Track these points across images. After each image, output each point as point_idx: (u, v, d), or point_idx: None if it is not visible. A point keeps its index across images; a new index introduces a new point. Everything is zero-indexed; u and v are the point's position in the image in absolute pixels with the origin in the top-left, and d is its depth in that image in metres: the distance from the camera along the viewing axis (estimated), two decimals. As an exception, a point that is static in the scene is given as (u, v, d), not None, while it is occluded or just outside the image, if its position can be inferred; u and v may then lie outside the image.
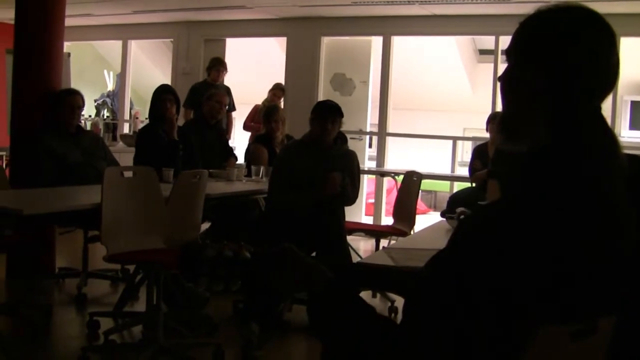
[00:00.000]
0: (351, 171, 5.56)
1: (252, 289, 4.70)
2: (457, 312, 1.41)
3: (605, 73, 1.55)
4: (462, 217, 4.11)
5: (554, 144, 1.52)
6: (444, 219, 4.50)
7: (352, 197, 5.60)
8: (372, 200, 10.54)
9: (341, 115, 5.42)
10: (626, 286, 1.55)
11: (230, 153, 7.47)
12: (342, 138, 5.70)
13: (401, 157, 11.48)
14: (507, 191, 1.57)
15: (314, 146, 5.43)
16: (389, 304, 5.68)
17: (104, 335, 4.62)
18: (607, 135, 1.54)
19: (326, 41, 10.62)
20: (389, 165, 10.32)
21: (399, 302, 2.95)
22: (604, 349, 1.57)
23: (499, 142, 1.64)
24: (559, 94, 1.54)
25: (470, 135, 14.02)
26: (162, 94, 6.19)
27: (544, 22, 1.58)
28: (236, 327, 4.91)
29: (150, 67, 14.97)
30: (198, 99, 8.48)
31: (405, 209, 6.64)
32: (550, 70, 1.54)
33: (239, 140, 10.72)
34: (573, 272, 1.43)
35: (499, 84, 1.67)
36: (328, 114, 5.36)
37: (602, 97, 1.57)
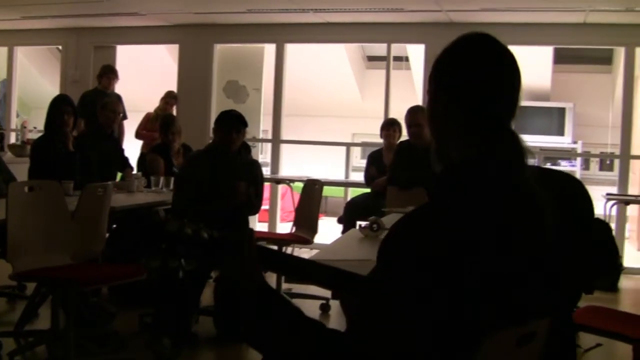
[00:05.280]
0: (255, 180, 5.60)
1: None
2: (410, 320, 1.46)
3: (505, 90, 1.68)
4: (374, 225, 4.18)
5: (467, 157, 1.65)
6: (357, 228, 4.54)
7: (256, 206, 5.65)
8: (266, 207, 10.53)
9: (245, 125, 5.45)
10: (555, 289, 1.66)
11: (126, 163, 7.34)
12: (245, 147, 5.72)
13: (291, 162, 11.49)
14: (434, 199, 1.64)
15: (218, 156, 5.42)
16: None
17: (8, 357, 4.45)
18: (513, 143, 1.66)
19: (219, 48, 10.56)
20: (282, 171, 10.35)
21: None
22: (539, 353, 1.67)
23: (435, 164, 1.74)
24: (465, 114, 1.67)
25: (359, 140, 14.19)
26: (60, 105, 6.01)
27: (447, 54, 1.73)
28: (145, 342, 4.83)
29: (36, 74, 14.52)
30: (89, 108, 8.26)
31: (307, 217, 6.69)
32: (454, 94, 1.68)
33: (129, 149, 10.52)
34: (513, 270, 1.54)
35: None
36: (233, 124, 5.37)
37: (507, 110, 1.69)
